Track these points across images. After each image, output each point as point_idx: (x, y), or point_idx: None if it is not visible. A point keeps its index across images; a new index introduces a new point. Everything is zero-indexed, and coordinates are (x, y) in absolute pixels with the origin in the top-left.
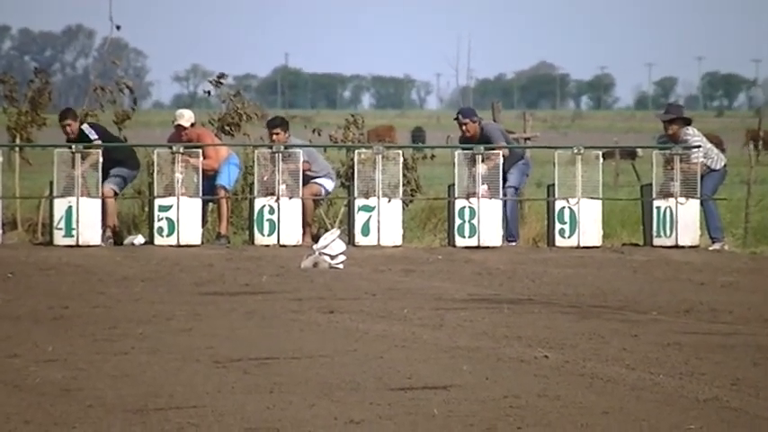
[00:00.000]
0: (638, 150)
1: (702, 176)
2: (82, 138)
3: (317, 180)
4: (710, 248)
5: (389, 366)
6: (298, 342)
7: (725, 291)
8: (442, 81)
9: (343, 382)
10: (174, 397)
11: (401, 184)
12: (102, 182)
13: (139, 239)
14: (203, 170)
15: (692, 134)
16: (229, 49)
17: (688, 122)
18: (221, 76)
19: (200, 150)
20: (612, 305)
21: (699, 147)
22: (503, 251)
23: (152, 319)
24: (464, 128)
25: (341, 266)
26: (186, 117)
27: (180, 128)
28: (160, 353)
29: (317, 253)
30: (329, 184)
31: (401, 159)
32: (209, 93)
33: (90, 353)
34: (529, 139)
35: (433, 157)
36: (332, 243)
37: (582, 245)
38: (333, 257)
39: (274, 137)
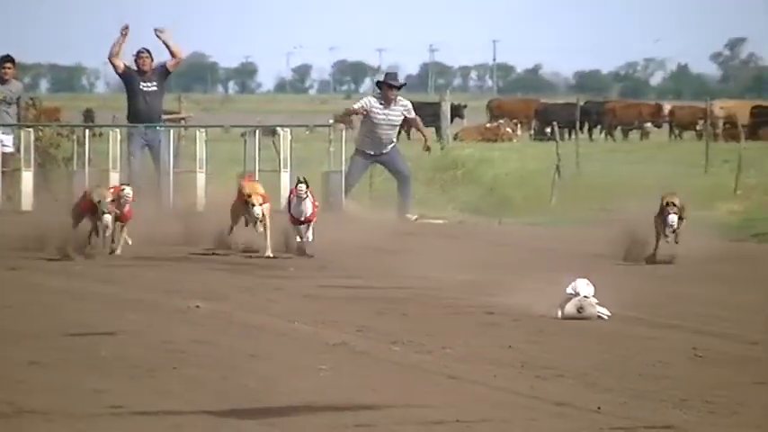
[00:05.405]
0: (278, 128)
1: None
2: None
3: None
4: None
5: (66, 316)
6: None
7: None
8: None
9: (27, 331)
10: None
11: None
12: None
13: None
14: None
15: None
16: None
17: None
18: None
19: None
20: (260, 263)
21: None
22: None
23: None
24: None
25: (606, 315)
26: None
27: None
28: None
29: (582, 295)
30: None
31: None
32: None
33: None
34: (184, 118)
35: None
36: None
37: None
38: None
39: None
